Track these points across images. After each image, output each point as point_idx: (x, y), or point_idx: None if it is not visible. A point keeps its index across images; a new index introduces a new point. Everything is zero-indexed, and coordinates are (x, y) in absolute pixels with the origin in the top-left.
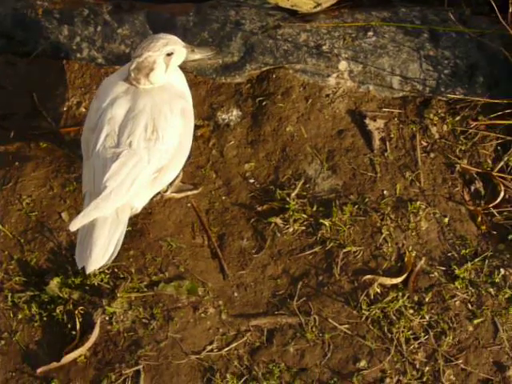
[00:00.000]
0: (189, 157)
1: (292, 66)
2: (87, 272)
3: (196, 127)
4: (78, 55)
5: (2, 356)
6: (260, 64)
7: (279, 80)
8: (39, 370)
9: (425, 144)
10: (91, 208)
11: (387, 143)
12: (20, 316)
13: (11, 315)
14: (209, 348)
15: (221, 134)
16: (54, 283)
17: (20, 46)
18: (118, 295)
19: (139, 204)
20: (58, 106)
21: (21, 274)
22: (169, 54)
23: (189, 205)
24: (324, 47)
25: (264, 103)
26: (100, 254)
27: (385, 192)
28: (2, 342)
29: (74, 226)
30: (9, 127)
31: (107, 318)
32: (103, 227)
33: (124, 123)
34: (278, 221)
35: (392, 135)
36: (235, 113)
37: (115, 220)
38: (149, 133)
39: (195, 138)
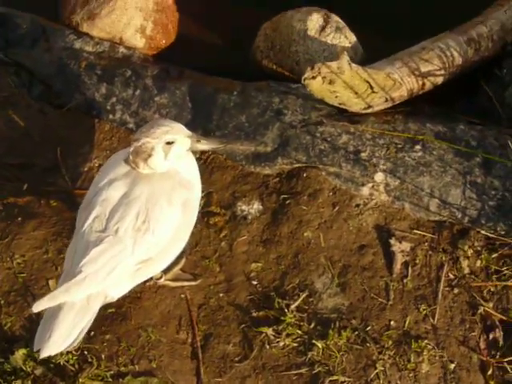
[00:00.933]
0: (196, 244)
1: (325, 168)
2: (41, 356)
3: (211, 214)
4: (111, 116)
5: None
6: (292, 160)
7: (309, 180)
8: None
9: (451, 277)
10: (60, 291)
11: (409, 269)
12: None
13: None
14: None
15: (235, 226)
16: (20, 354)
17: (55, 97)
18: (80, 381)
19: (116, 293)
20: (79, 164)
21: None
22: (169, 143)
23: (182, 296)
24: (363, 154)
25: (287, 202)
26: (59, 341)
27: (392, 323)
28: None
29: (38, 307)
30: (24, 179)
31: None
32: (69, 312)
33: (116, 208)
34: (270, 332)
35: (417, 261)
36: (256, 206)
37: (84, 307)
38: (139, 222)
39: (207, 226)
